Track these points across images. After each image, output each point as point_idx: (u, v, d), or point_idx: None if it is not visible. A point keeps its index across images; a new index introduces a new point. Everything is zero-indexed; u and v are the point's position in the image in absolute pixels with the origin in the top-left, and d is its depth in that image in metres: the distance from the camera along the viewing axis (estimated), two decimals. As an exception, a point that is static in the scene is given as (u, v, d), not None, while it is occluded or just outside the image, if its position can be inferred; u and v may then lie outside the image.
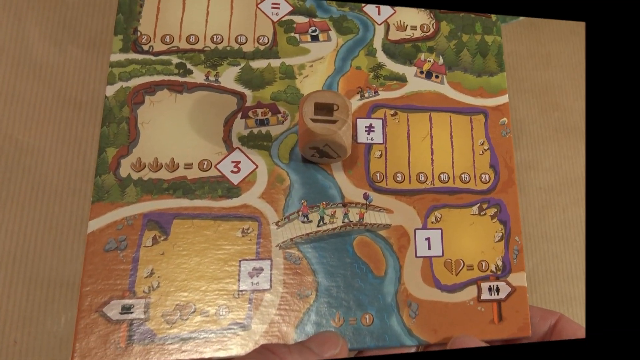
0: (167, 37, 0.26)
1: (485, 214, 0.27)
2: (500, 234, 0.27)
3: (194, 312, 0.22)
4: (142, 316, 0.21)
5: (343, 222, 0.25)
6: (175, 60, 0.26)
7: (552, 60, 0.35)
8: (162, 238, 0.22)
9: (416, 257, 0.25)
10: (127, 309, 0.21)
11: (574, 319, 0.32)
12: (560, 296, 0.32)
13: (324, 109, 0.24)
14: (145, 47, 0.25)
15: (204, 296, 0.22)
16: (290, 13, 0.28)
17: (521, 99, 0.36)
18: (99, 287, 0.21)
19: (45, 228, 0.28)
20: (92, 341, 0.21)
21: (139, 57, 0.25)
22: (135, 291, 0.22)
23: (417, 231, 0.26)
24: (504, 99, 0.30)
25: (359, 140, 0.27)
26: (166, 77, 0.25)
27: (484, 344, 0.25)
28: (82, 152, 0.30)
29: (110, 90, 0.24)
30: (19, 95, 0.30)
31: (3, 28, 0.31)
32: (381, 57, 0.29)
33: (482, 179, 0.28)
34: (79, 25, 0.32)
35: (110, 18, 0.32)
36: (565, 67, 0.36)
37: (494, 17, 0.31)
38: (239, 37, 0.27)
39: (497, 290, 0.26)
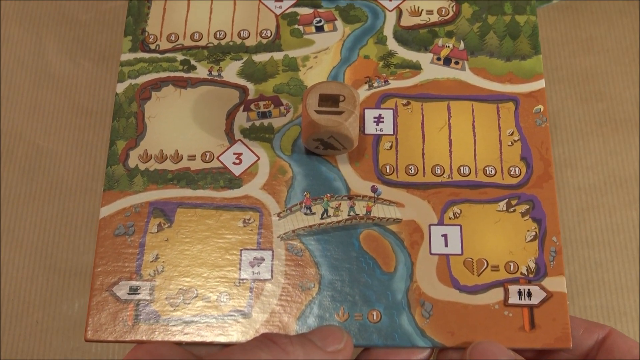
0: (173, 35, 0.39)
1: (514, 210, 0.36)
2: (534, 233, 0.35)
3: (196, 297, 0.33)
4: (148, 297, 0.33)
5: (348, 215, 0.35)
6: (180, 57, 0.39)
7: (594, 45, 0.44)
8: (166, 225, 0.35)
9: (431, 254, 0.34)
10: (134, 290, 0.33)
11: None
12: (606, 310, 0.40)
13: (329, 100, 0.35)
14: (152, 46, 0.39)
15: (206, 282, 0.34)
16: (294, 5, 0.40)
17: (555, 89, 0.46)
18: (109, 269, 0.34)
19: (62, 223, 0.45)
20: (103, 317, 0.32)
21: (147, 55, 0.38)
22: (142, 274, 0.33)
23: (432, 227, 0.35)
24: (539, 85, 0.39)
25: (366, 132, 0.37)
26: (171, 74, 0.38)
27: (510, 352, 0.34)
28: (94, 155, 0.47)
29: (120, 88, 0.37)
30: (39, 105, 0.49)
31: (25, 45, 0.50)
32: (392, 44, 0.40)
33: (511, 173, 0.37)
34: (90, 41, 0.51)
35: (118, 33, 0.50)
36: (611, 52, 0.45)
37: (527, -6, 0.42)
38: (241, 32, 0.40)
39: (529, 294, 0.33)
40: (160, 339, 0.32)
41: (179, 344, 0.32)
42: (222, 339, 0.32)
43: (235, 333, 0.33)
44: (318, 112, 0.34)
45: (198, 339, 0.32)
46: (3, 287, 0.45)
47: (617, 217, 0.43)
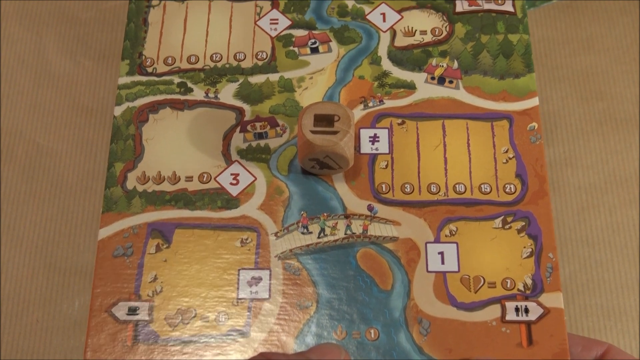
0: (170, 58, 0.40)
1: (510, 227, 0.37)
2: (530, 250, 0.36)
3: (194, 317, 0.34)
4: (147, 318, 0.34)
5: (345, 234, 0.37)
6: (176, 79, 0.40)
7: (594, 44, 0.46)
8: (164, 246, 0.36)
9: (427, 271, 0.35)
10: (133, 311, 0.34)
11: (624, 335, 0.41)
12: (606, 309, 0.41)
13: (324, 121, 0.36)
14: (149, 70, 0.40)
15: (204, 302, 0.34)
16: (289, 27, 0.42)
17: (555, 88, 0.47)
18: (108, 289, 0.34)
19: (62, 221, 0.47)
20: (102, 338, 0.33)
21: (144, 78, 0.39)
22: (140, 294, 0.34)
23: (428, 245, 0.36)
24: (532, 102, 0.40)
25: (362, 151, 0.39)
26: (168, 96, 0.39)
27: None
28: (93, 154, 0.49)
29: (118, 111, 0.38)
30: (39, 103, 0.50)
31: (25, 44, 0.52)
32: (387, 64, 0.41)
33: (507, 190, 0.38)
34: (90, 40, 0.52)
35: (118, 31, 0.52)
36: (611, 51, 0.47)
37: (519, 13, 0.43)
38: (237, 55, 0.41)
39: (526, 311, 0.34)
40: (159, 359, 0.33)
41: (178, 364, 0.33)
42: (221, 359, 0.33)
43: (233, 352, 0.33)
44: (313, 132, 0.35)
45: (197, 358, 0.33)
46: (3, 286, 0.46)
47: (617, 216, 0.45)
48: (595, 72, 0.48)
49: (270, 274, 0.35)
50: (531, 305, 0.35)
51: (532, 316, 0.34)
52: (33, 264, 0.46)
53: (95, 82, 0.51)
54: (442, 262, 0.36)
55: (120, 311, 0.34)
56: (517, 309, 0.35)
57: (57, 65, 0.52)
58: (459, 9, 0.42)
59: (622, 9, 0.50)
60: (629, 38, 0.49)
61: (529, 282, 0.35)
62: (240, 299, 0.35)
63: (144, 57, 0.40)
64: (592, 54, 0.48)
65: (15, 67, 0.52)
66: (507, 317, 0.34)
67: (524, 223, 0.37)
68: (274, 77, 0.40)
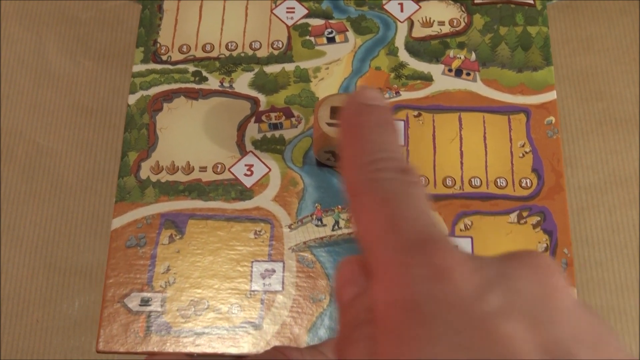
0: (184, 46, 0.40)
1: (525, 222, 0.37)
2: (545, 245, 0.36)
3: (207, 308, 0.34)
4: (159, 309, 0.34)
5: (360, 227, 0.37)
6: (191, 68, 0.40)
7: (594, 44, 0.46)
8: (178, 237, 0.36)
9: None
10: (145, 302, 0.34)
11: (624, 335, 0.41)
12: (606, 309, 0.41)
13: (341, 112, 0.36)
14: (164, 58, 0.39)
15: (217, 294, 0.34)
16: (306, 16, 0.41)
17: (556, 88, 0.47)
18: (121, 280, 0.34)
19: (62, 221, 0.47)
20: (115, 329, 0.33)
21: (158, 67, 0.39)
22: (153, 285, 0.34)
23: None
24: (550, 96, 0.40)
25: (377, 143, 0.39)
26: (183, 85, 0.39)
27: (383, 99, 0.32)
28: (94, 154, 0.49)
29: (132, 99, 0.38)
30: (39, 103, 0.50)
31: (25, 44, 0.52)
32: (404, 56, 0.41)
33: (523, 185, 0.38)
34: (90, 40, 0.52)
35: (118, 31, 0.52)
36: (611, 51, 0.46)
37: (539, 5, 0.43)
38: (253, 44, 0.40)
39: None
40: (171, 350, 0.33)
41: (190, 355, 0.33)
42: (233, 351, 0.33)
43: (246, 344, 0.33)
44: (329, 124, 0.35)
45: (209, 350, 0.33)
46: (3, 286, 0.46)
47: (617, 216, 0.45)
48: (595, 72, 0.48)
49: (283, 267, 0.35)
50: (546, 302, 0.35)
51: None
52: (33, 264, 0.47)
53: (95, 82, 0.52)
54: (457, 257, 0.36)
55: (133, 302, 0.34)
56: None
57: (57, 65, 0.52)
58: None
59: (622, 9, 0.50)
60: (629, 38, 0.49)
61: None
62: (253, 291, 0.34)
63: (158, 44, 0.40)
64: (592, 54, 0.48)
65: (15, 67, 0.52)
66: None
67: (539, 218, 0.37)
68: (289, 67, 0.40)
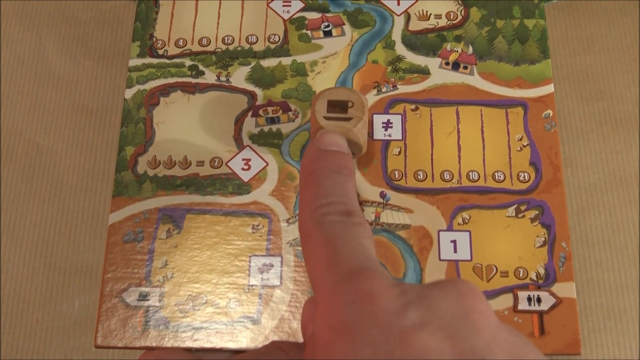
0: (181, 40, 0.40)
1: (523, 216, 0.37)
2: (543, 239, 0.36)
3: (205, 303, 0.34)
4: (157, 304, 0.34)
5: (357, 221, 0.37)
6: (188, 62, 0.40)
7: (594, 44, 0.46)
8: (175, 232, 0.36)
9: (440, 260, 0.36)
10: (143, 297, 0.34)
11: (624, 335, 0.41)
12: (606, 309, 0.42)
13: (338, 107, 0.36)
14: (160, 52, 0.40)
15: (215, 289, 0.34)
16: (302, 10, 0.41)
17: (555, 88, 0.47)
18: (119, 275, 0.35)
19: (62, 221, 0.47)
20: (113, 324, 0.33)
21: (155, 61, 0.39)
22: (151, 280, 0.34)
23: (441, 233, 0.36)
24: (548, 89, 0.40)
25: (375, 137, 0.39)
26: (179, 79, 0.39)
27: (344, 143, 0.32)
28: (94, 154, 0.49)
29: (129, 93, 0.38)
30: (39, 104, 0.50)
31: (25, 44, 0.52)
32: (400, 49, 0.41)
33: (520, 178, 0.38)
34: (90, 40, 0.52)
35: (118, 31, 0.52)
36: (611, 51, 0.47)
37: (536, -3, 0.43)
38: (249, 37, 0.40)
39: (538, 300, 0.35)
40: (169, 345, 0.33)
41: (188, 350, 0.33)
42: (232, 345, 0.33)
43: (244, 339, 0.33)
44: (326, 118, 0.35)
45: (207, 345, 0.33)
46: (3, 286, 0.46)
47: (617, 216, 0.45)
48: (595, 72, 0.48)
49: (281, 261, 0.35)
50: (544, 294, 0.35)
51: (544, 306, 0.35)
52: (33, 264, 0.47)
53: (95, 82, 0.52)
54: (455, 251, 0.36)
55: (131, 297, 0.34)
56: (529, 299, 0.35)
57: (57, 65, 0.52)
58: None
59: (622, 9, 0.50)
60: (629, 38, 0.49)
61: (542, 271, 0.35)
62: (252, 285, 0.35)
63: (154, 38, 0.40)
64: (592, 54, 0.48)
65: (15, 67, 0.52)
66: (520, 307, 0.34)
67: (537, 212, 0.37)
68: (286, 60, 0.40)
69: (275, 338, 0.34)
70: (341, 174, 0.29)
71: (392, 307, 0.22)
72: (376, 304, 0.22)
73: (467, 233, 0.36)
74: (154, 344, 0.33)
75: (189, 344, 0.33)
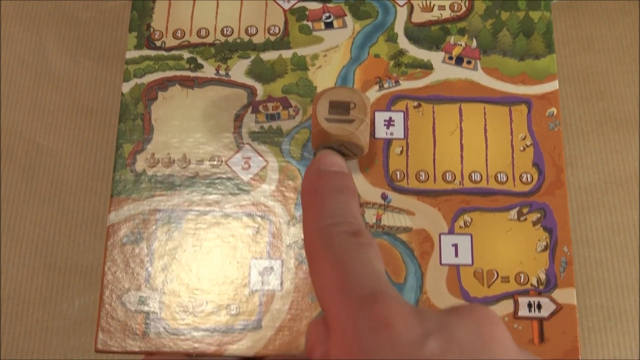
0: (179, 31, 0.39)
1: (525, 219, 0.37)
2: (544, 243, 0.35)
3: (205, 307, 0.34)
4: (157, 308, 0.34)
5: (358, 223, 0.37)
6: (186, 55, 0.38)
7: (594, 44, 0.46)
8: (175, 233, 0.35)
9: (441, 264, 0.35)
10: (143, 301, 0.34)
11: (624, 335, 0.42)
12: (606, 309, 0.43)
13: (340, 108, 0.35)
14: (158, 43, 0.38)
15: (215, 293, 0.34)
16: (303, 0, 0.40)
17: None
18: (118, 278, 0.34)
19: (62, 221, 0.47)
20: (112, 328, 0.33)
21: (152, 53, 0.38)
22: (151, 284, 0.34)
23: (442, 236, 0.36)
24: (552, 86, 0.39)
25: (377, 136, 0.38)
26: (178, 73, 0.38)
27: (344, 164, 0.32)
28: (94, 154, 0.49)
29: (126, 87, 0.37)
30: (39, 103, 0.50)
31: (25, 44, 0.52)
32: (403, 42, 0.40)
33: (523, 180, 0.38)
34: (90, 40, 0.52)
35: (118, 31, 0.52)
36: (612, 51, 0.47)
37: (541, -11, 0.42)
38: (249, 29, 0.39)
39: (539, 307, 0.34)
40: (169, 350, 0.33)
41: (188, 355, 0.33)
42: (232, 350, 0.33)
43: (244, 343, 0.34)
44: (328, 120, 0.34)
45: (207, 349, 0.33)
46: (3, 286, 0.46)
47: (617, 216, 0.45)
48: (595, 72, 0.48)
49: (282, 264, 0.35)
50: (544, 301, 0.35)
51: (544, 312, 0.35)
52: (33, 264, 0.47)
53: (95, 82, 0.52)
54: (456, 255, 0.36)
55: (131, 301, 0.34)
56: (529, 305, 0.35)
57: (57, 65, 0.52)
58: None
59: (622, 9, 0.50)
60: (629, 38, 0.49)
61: (543, 277, 0.35)
62: (252, 290, 0.34)
63: (152, 29, 0.39)
64: (592, 54, 0.48)
65: (15, 67, 0.52)
66: (520, 313, 0.35)
67: (539, 215, 0.36)
68: (286, 53, 0.39)
69: (276, 343, 0.34)
70: (345, 193, 0.29)
71: (412, 337, 0.22)
72: (394, 333, 0.22)
73: (469, 236, 0.36)
74: (153, 349, 0.33)
75: (188, 348, 0.33)
